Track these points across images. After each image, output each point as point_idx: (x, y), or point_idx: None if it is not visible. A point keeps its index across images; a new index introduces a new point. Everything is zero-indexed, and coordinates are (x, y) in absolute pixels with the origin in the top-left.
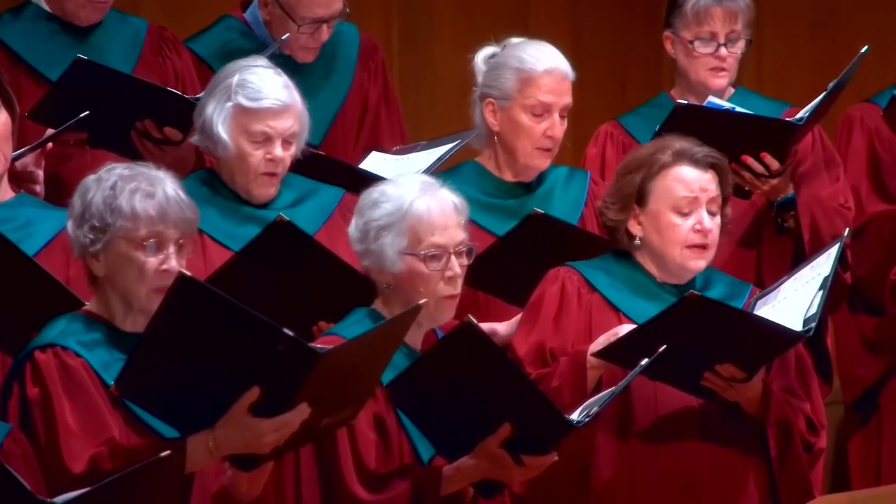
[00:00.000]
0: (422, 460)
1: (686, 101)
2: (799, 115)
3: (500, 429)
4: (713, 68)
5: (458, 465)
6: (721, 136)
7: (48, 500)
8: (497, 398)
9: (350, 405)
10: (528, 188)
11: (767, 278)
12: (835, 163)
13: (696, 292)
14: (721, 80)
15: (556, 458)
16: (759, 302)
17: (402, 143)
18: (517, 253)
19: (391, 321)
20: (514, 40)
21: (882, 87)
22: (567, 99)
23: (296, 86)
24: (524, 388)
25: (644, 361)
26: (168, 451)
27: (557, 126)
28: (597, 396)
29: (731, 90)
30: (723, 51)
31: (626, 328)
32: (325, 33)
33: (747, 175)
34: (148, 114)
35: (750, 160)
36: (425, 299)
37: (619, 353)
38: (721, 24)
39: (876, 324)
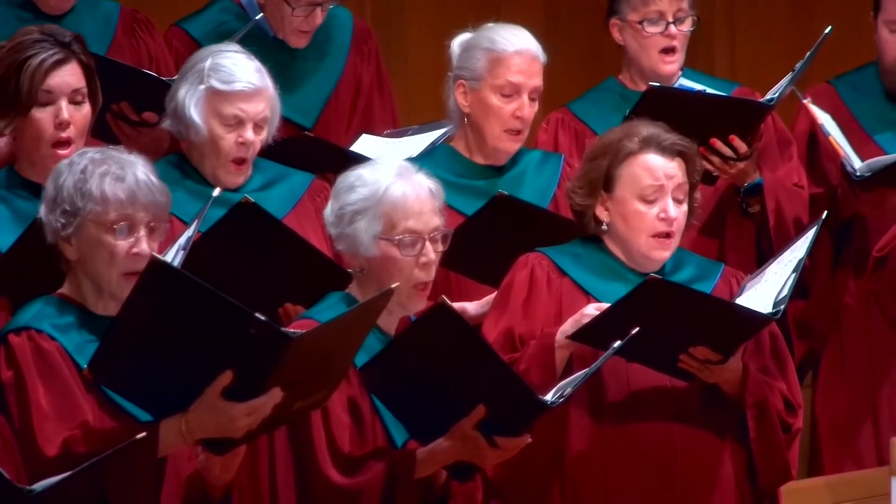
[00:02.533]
0: (395, 444)
1: (658, 84)
2: (769, 97)
3: (474, 410)
4: (664, 49)
5: (432, 447)
6: (691, 119)
7: (26, 488)
8: (471, 379)
9: (322, 389)
10: (499, 171)
11: (731, 264)
12: (787, 142)
13: (657, 276)
14: (671, 66)
15: (530, 439)
16: (746, 286)
17: (395, 127)
18: (487, 234)
19: (363, 305)
20: (490, 25)
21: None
22: (537, 81)
23: (288, 69)
24: (498, 368)
25: (616, 344)
26: (141, 435)
27: (526, 107)
28: (569, 378)
29: (679, 71)
30: (672, 29)
31: (592, 308)
32: (318, 17)
33: (716, 159)
34: (124, 96)
35: (718, 144)
36: (398, 283)
37: (591, 335)
38: (668, 3)
39: (802, 307)
